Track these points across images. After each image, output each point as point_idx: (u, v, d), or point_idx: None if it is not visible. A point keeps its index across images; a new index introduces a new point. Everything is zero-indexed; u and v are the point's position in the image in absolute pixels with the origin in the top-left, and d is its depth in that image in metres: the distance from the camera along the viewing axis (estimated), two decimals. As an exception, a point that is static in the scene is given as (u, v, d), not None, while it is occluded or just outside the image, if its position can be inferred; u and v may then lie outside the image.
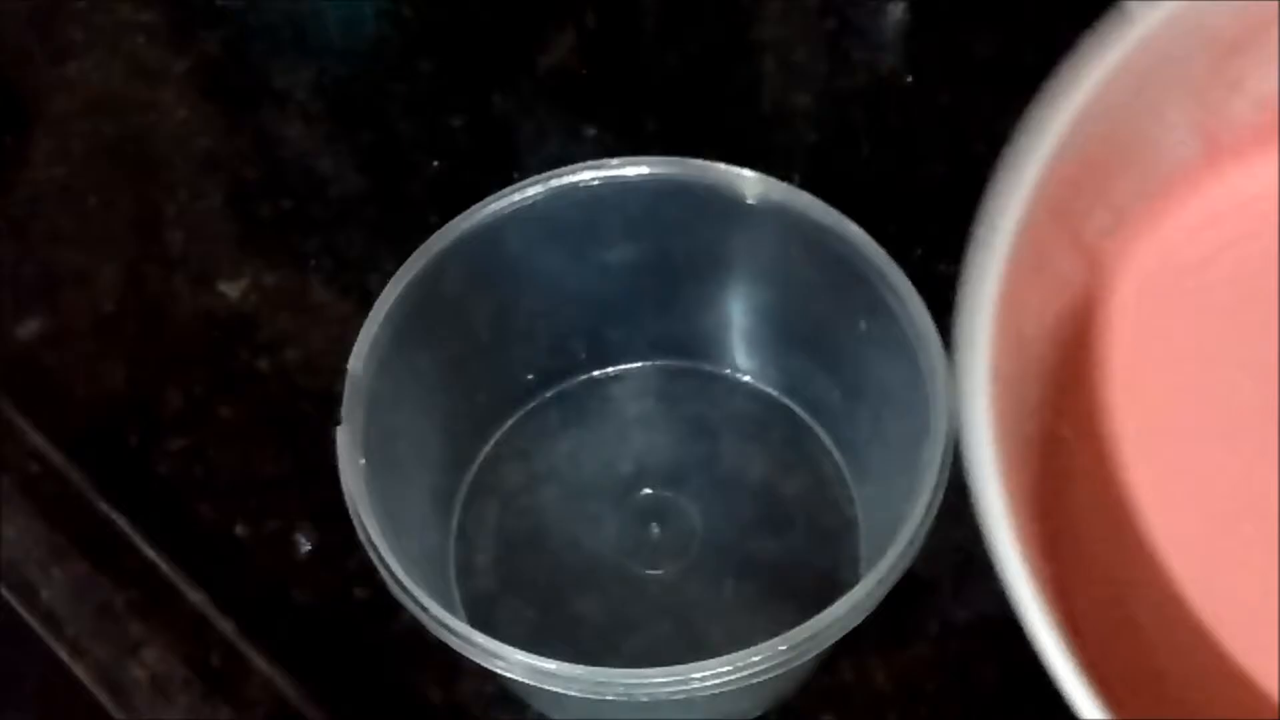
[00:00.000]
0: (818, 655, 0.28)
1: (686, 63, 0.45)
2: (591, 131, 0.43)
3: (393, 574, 0.27)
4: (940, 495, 0.28)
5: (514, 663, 0.26)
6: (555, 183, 0.33)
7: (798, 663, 0.27)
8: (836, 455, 0.36)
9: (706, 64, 0.44)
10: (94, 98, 0.46)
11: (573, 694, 0.27)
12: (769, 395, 0.37)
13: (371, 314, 0.31)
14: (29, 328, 0.40)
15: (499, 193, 0.33)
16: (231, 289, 0.40)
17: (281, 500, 0.36)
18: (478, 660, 0.27)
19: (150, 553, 0.35)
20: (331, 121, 0.44)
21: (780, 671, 0.27)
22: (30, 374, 0.39)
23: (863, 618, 0.27)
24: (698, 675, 0.26)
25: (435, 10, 0.46)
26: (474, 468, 0.36)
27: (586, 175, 0.33)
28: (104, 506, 0.36)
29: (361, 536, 0.28)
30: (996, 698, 0.32)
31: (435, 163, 0.42)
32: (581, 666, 0.26)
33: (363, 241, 0.41)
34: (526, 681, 0.27)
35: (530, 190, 0.33)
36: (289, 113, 0.44)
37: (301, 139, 0.44)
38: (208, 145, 0.44)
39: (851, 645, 0.29)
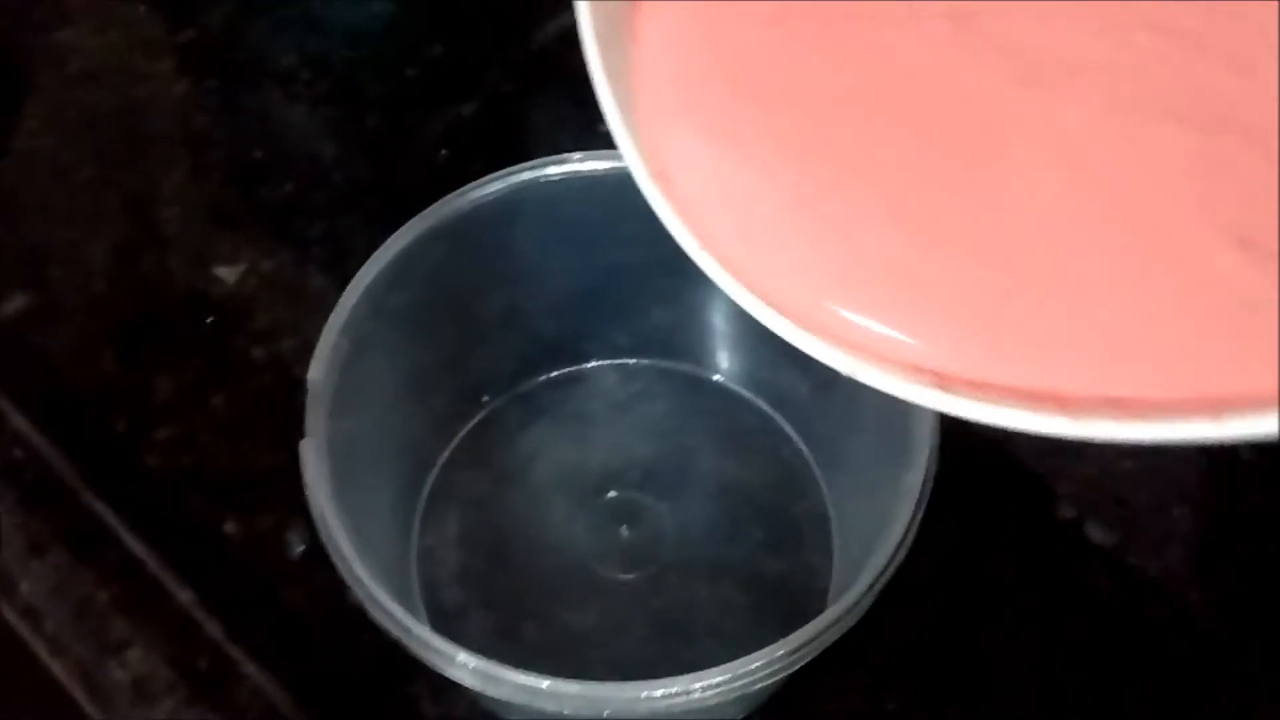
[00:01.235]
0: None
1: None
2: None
3: (372, 596, 0.26)
4: (928, 491, 0.27)
5: (505, 682, 0.25)
6: (516, 179, 0.32)
7: (797, 667, 0.26)
8: (805, 451, 0.36)
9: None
10: (89, 67, 0.44)
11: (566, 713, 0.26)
12: (735, 392, 0.37)
13: (330, 322, 0.30)
14: (14, 304, 0.39)
15: (458, 190, 0.32)
16: (228, 273, 0.39)
17: (274, 496, 0.34)
18: (462, 681, 0.26)
19: (136, 547, 0.34)
20: (337, 104, 0.43)
21: (780, 677, 0.26)
22: (14, 353, 0.38)
23: (858, 618, 0.27)
24: (699, 685, 0.25)
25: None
26: (435, 472, 0.35)
27: (550, 170, 0.32)
28: (88, 496, 0.34)
29: (333, 555, 0.27)
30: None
31: (444, 151, 0.41)
32: (577, 684, 0.25)
33: (365, 230, 0.39)
34: (521, 703, 0.26)
35: (491, 187, 0.32)
36: (293, 93, 0.43)
37: (305, 121, 0.42)
38: (207, 122, 0.42)
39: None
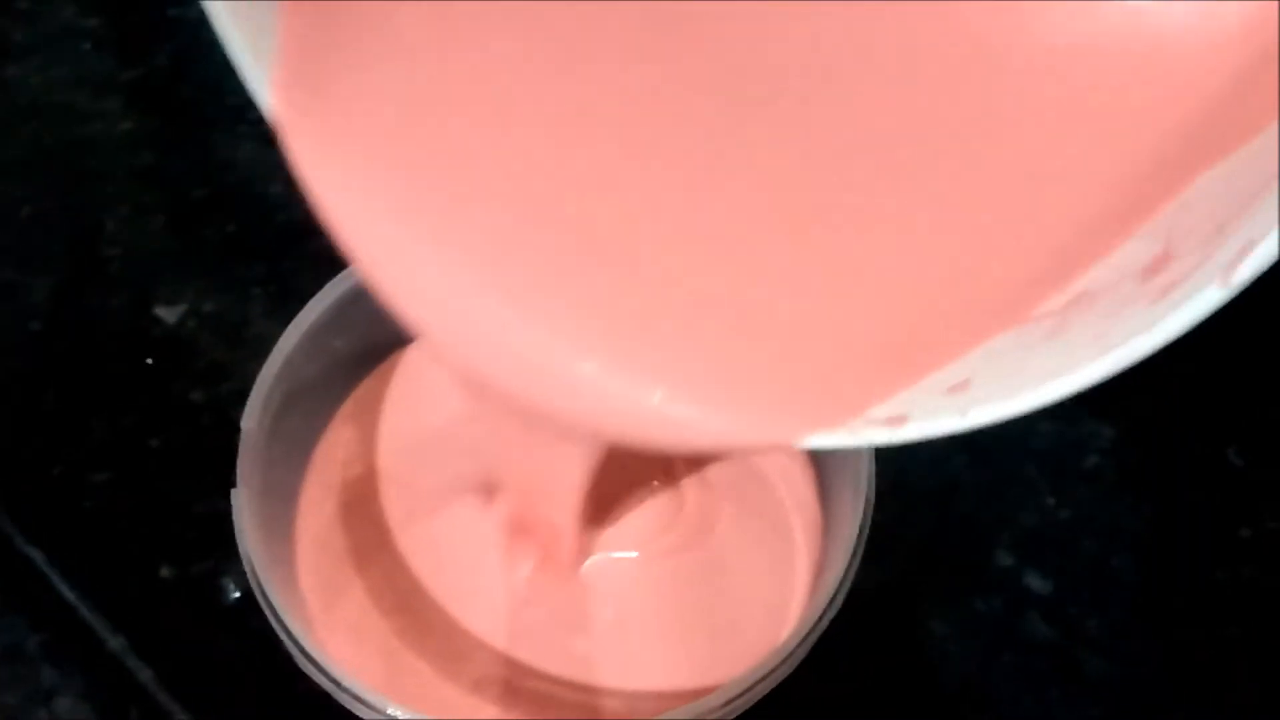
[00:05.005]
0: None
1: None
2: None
3: (301, 648, 0.26)
4: (863, 539, 0.28)
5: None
6: None
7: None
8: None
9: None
10: (33, 104, 0.44)
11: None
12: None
13: (265, 367, 0.30)
14: (-51, 342, 0.38)
15: None
16: (169, 314, 0.38)
17: (210, 542, 0.34)
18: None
19: (67, 592, 0.33)
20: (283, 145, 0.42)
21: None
22: (-51, 393, 0.37)
23: (791, 670, 0.27)
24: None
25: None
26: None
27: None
28: (20, 540, 0.34)
29: (263, 605, 0.27)
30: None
31: (390, 193, 0.41)
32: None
33: (308, 272, 0.39)
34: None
35: None
36: (240, 133, 0.42)
37: (251, 161, 0.42)
38: (152, 161, 0.42)
39: None
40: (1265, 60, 0.20)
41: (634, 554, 0.32)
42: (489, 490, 0.33)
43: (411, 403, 0.34)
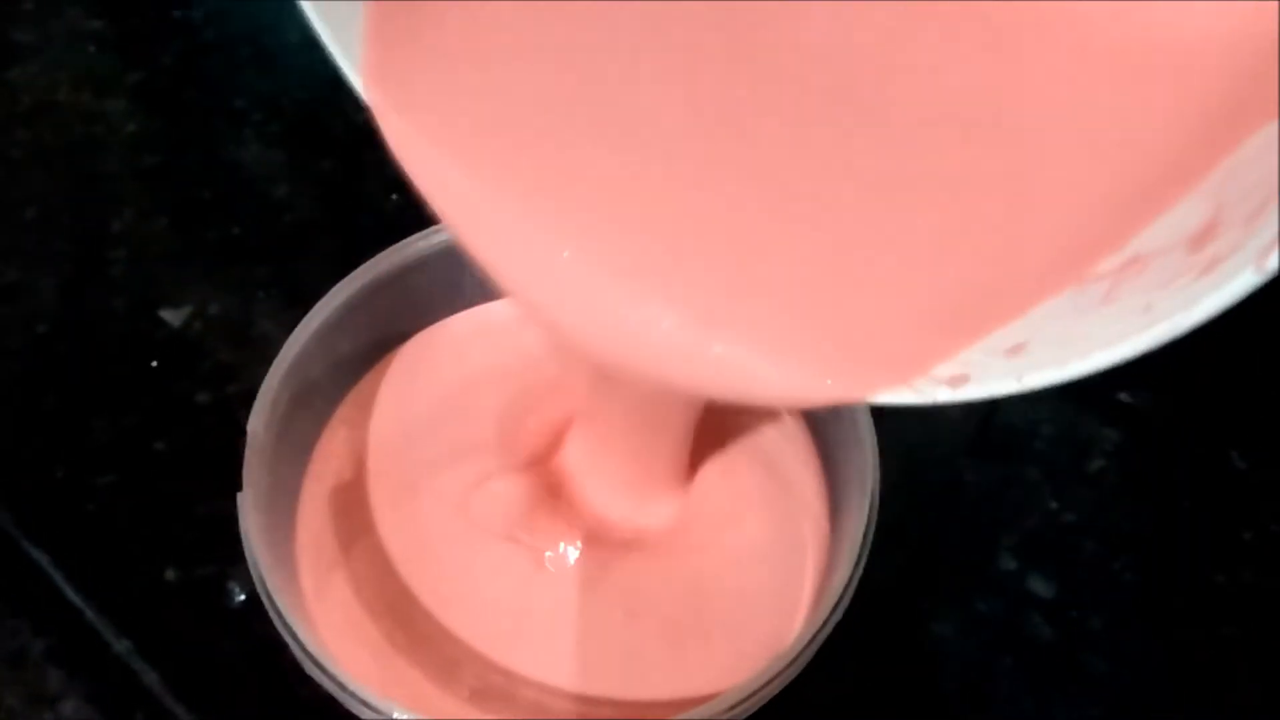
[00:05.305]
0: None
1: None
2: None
3: (306, 652, 0.26)
4: (868, 543, 0.28)
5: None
6: None
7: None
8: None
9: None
10: (38, 105, 0.44)
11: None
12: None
13: (272, 369, 0.30)
14: (-46, 344, 0.38)
15: (407, 238, 0.33)
16: (174, 316, 0.38)
17: (216, 544, 0.34)
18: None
19: (73, 596, 0.33)
20: (288, 146, 0.42)
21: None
22: (-47, 395, 0.37)
23: (796, 674, 0.27)
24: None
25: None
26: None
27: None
28: (25, 543, 0.34)
29: (269, 609, 0.27)
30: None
31: (394, 196, 0.41)
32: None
33: (314, 273, 0.39)
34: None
35: (440, 235, 0.32)
36: (245, 134, 0.42)
37: (256, 162, 0.42)
38: (156, 163, 0.42)
39: None
40: None
41: (636, 554, 0.32)
42: (488, 480, 0.33)
43: (403, 403, 0.34)
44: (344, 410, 0.34)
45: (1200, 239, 0.20)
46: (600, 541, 0.32)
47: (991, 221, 0.23)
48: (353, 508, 0.33)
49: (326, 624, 0.30)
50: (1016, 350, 0.22)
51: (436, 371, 0.35)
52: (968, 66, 0.22)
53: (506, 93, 0.25)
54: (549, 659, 0.30)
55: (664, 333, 0.24)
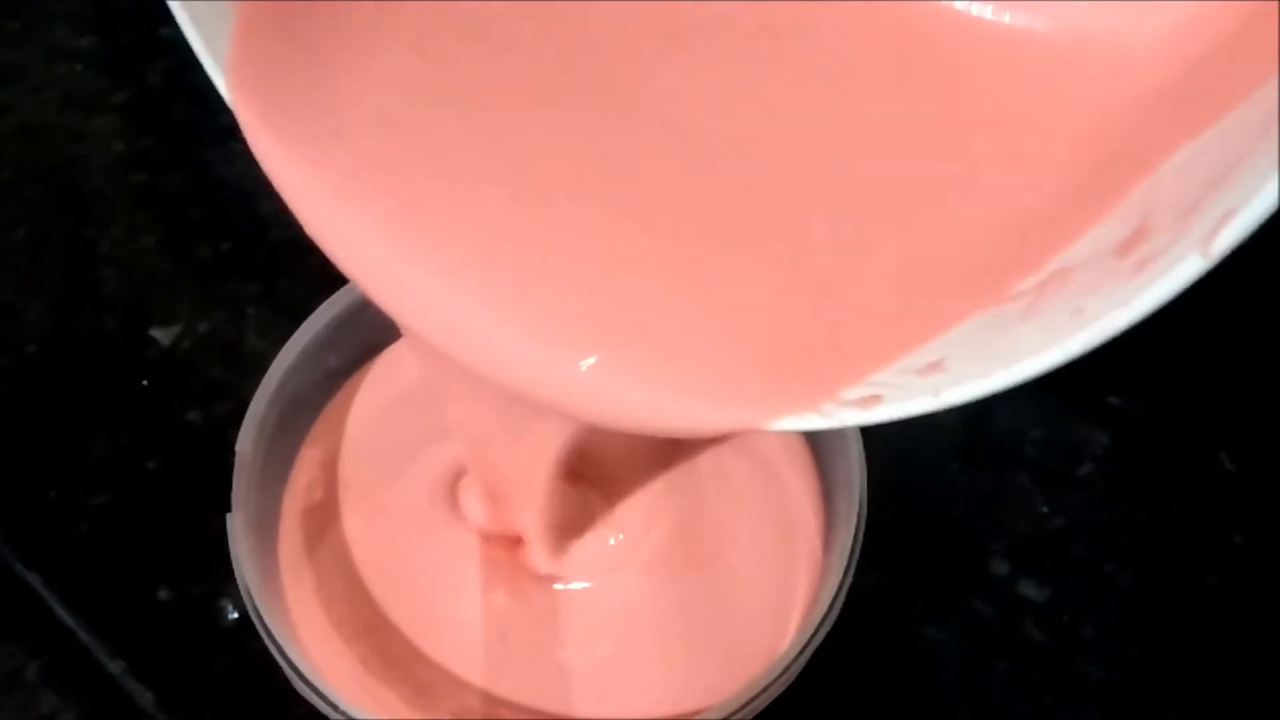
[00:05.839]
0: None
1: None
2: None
3: (299, 672, 0.26)
4: (857, 549, 0.28)
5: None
6: None
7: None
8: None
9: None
10: (24, 124, 0.44)
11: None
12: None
13: (260, 389, 0.30)
14: (-55, 366, 0.38)
15: None
16: (164, 335, 0.39)
17: (208, 563, 0.34)
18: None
19: (66, 617, 0.33)
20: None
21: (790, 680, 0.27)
22: (-56, 417, 0.37)
23: (789, 682, 0.27)
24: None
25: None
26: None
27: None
28: (18, 565, 0.34)
29: (260, 630, 0.27)
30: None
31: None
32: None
33: (303, 290, 0.39)
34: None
35: None
36: (232, 151, 0.42)
37: (244, 179, 0.42)
38: (145, 181, 0.42)
39: None
40: (1226, 46, 0.20)
41: (623, 572, 0.32)
42: (453, 503, 0.33)
43: (372, 421, 0.34)
44: (318, 427, 0.34)
45: (1129, 244, 0.19)
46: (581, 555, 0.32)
47: (902, 243, 0.22)
48: (326, 527, 0.32)
49: (311, 644, 0.30)
50: (934, 367, 0.21)
51: (405, 385, 0.35)
52: (869, 106, 0.22)
53: (377, 101, 0.25)
54: (532, 679, 0.30)
55: (556, 358, 0.23)
